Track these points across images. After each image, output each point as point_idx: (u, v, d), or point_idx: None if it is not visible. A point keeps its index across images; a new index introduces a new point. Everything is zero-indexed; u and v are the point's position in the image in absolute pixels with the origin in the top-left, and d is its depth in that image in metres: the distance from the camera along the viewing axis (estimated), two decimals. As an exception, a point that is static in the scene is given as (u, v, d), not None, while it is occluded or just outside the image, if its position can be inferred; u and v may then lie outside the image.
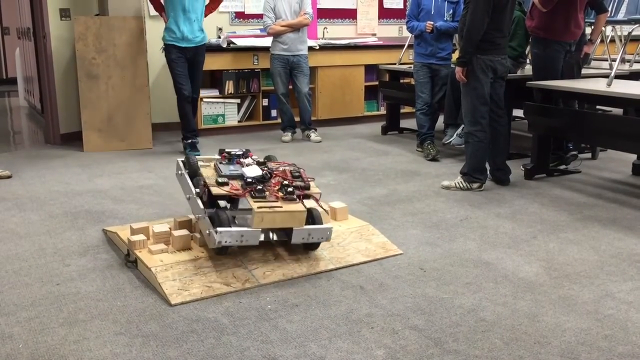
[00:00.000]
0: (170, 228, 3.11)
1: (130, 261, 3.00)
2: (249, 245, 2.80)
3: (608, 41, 6.47)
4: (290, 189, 2.93)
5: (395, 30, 7.92)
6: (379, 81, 6.98)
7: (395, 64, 6.54)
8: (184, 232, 3.03)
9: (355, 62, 7.06)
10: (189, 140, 5.53)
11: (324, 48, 6.81)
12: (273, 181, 3.03)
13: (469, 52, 4.15)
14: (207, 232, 2.77)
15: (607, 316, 2.50)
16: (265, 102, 6.75)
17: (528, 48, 5.27)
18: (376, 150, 5.76)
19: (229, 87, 6.50)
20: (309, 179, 3.13)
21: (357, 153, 5.62)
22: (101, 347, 2.27)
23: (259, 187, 2.91)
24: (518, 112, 5.70)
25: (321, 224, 2.94)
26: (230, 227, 2.75)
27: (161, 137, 6.17)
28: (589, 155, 5.37)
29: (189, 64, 5.41)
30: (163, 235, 3.03)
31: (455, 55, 5.64)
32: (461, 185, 4.33)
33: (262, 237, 2.84)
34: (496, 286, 2.78)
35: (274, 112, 6.77)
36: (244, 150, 3.37)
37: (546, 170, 4.73)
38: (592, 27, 4.91)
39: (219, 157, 3.32)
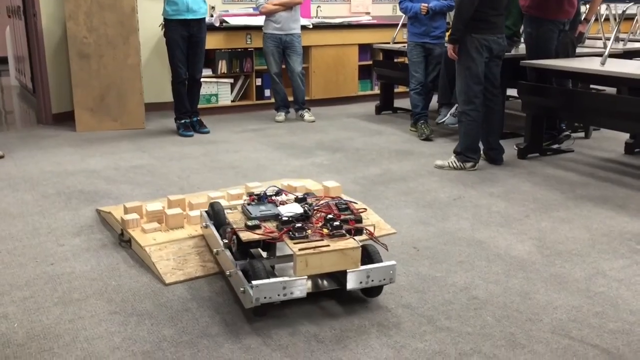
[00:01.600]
0: (163, 207, 3.10)
1: (124, 241, 3.00)
2: (294, 298, 2.28)
3: (602, 20, 6.44)
4: (336, 223, 2.41)
5: (389, 9, 7.86)
6: (373, 60, 6.95)
7: (389, 43, 6.51)
8: (178, 210, 3.03)
9: (348, 42, 7.02)
10: (182, 121, 5.50)
11: (317, 27, 6.76)
12: (315, 218, 2.50)
13: (459, 30, 4.14)
14: (242, 289, 2.29)
15: (598, 293, 2.53)
16: (258, 81, 6.71)
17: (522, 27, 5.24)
18: (370, 129, 5.76)
19: (222, 66, 6.46)
20: (359, 211, 2.60)
21: (351, 133, 5.61)
22: (96, 325, 2.28)
23: (298, 225, 2.40)
24: (512, 92, 5.69)
25: (380, 261, 2.42)
26: (269, 278, 2.26)
27: (154, 117, 6.14)
28: (582, 134, 5.38)
29: (191, 43, 5.33)
30: (156, 214, 3.03)
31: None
32: (455, 165, 4.34)
33: (309, 287, 2.39)
34: (489, 264, 2.81)
35: (267, 92, 6.73)
36: (277, 188, 2.83)
37: (539, 150, 4.74)
38: (588, 5, 4.90)
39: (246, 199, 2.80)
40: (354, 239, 2.38)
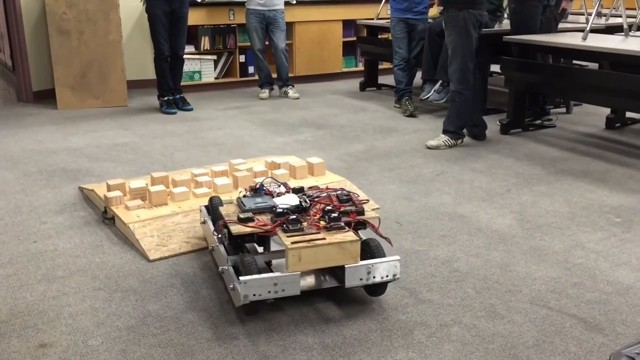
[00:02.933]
0: (146, 184, 3.10)
1: (107, 218, 3.00)
2: (287, 296, 2.12)
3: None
4: (334, 215, 2.23)
5: (373, -15, 7.81)
6: (357, 37, 6.92)
7: (373, 19, 6.48)
8: (161, 187, 3.03)
9: (332, 17, 6.98)
10: (165, 98, 5.46)
11: (300, 3, 6.70)
12: (313, 210, 2.33)
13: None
14: (231, 286, 2.17)
15: (577, 265, 2.58)
16: (242, 58, 6.67)
17: (505, 2, 5.24)
18: (354, 106, 5.75)
19: (205, 43, 6.40)
20: (362, 202, 2.44)
21: (335, 109, 5.61)
22: (80, 302, 2.29)
23: (292, 217, 2.23)
24: (495, 68, 5.71)
25: (383, 256, 2.23)
26: (260, 274, 2.10)
27: (136, 94, 6.09)
28: (563, 110, 5.42)
29: (173, 19, 5.26)
30: (140, 191, 3.02)
31: (432, 11, 5.60)
32: (449, 143, 4.34)
33: (307, 284, 2.24)
34: (470, 238, 2.85)
35: (251, 69, 6.69)
36: (280, 183, 2.60)
37: (522, 125, 4.77)
38: None
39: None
40: (353, 232, 2.21)
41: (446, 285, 2.41)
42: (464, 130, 4.46)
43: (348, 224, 2.24)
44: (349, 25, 7.12)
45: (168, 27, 5.26)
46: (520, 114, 4.73)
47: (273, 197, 2.43)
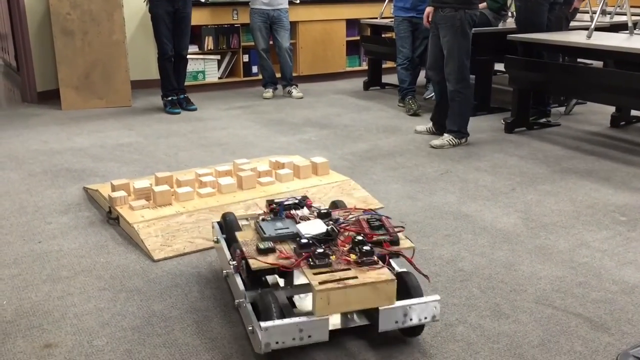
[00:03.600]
0: (151, 184, 3.10)
1: (112, 218, 3.00)
2: (314, 342, 1.87)
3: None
4: (366, 248, 1.97)
5: (376, -16, 7.80)
6: (361, 36, 6.91)
7: (376, 18, 6.47)
8: (165, 187, 3.03)
9: (336, 17, 6.98)
10: (169, 98, 5.47)
11: (304, 2, 6.71)
12: (341, 238, 2.06)
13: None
14: (250, 328, 1.92)
15: (582, 264, 2.57)
16: (245, 58, 6.67)
17: (509, 0, 5.23)
18: (358, 105, 5.75)
19: (209, 43, 6.41)
20: (395, 229, 2.13)
21: (339, 109, 5.60)
22: (85, 302, 2.30)
23: (320, 250, 1.96)
24: (499, 66, 5.69)
25: (421, 295, 1.99)
26: (283, 317, 1.86)
27: (141, 94, 6.09)
28: (562, 109, 5.39)
29: (176, 19, 5.26)
30: (144, 191, 3.03)
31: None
32: (453, 143, 4.33)
33: (334, 326, 1.98)
34: (475, 237, 2.84)
35: (254, 68, 6.70)
36: (299, 198, 2.36)
37: (526, 124, 4.76)
38: None
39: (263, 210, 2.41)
40: (389, 269, 1.95)
41: (451, 285, 2.40)
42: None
43: (382, 257, 1.99)
44: (352, 24, 7.12)
45: (171, 27, 5.26)
46: (524, 113, 4.72)
47: (295, 222, 2.17)
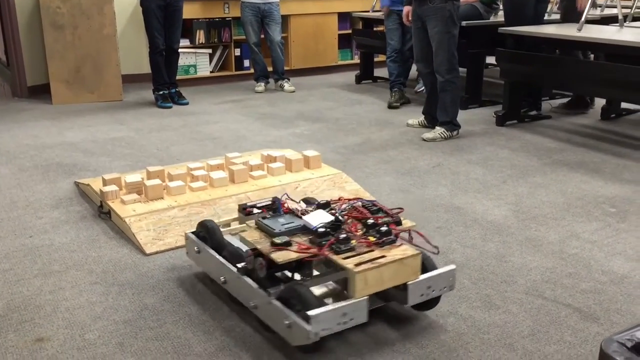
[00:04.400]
0: (142, 178, 3.10)
1: (103, 212, 2.99)
2: (353, 326, 1.89)
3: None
4: (384, 228, 2.02)
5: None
6: (353, 29, 6.91)
7: (368, 11, 6.47)
8: (157, 181, 3.03)
9: (328, 10, 6.96)
10: (160, 92, 5.45)
11: (296, -5, 6.69)
12: (346, 226, 2.08)
13: None
14: (287, 323, 1.85)
15: (572, 255, 2.59)
16: (237, 52, 6.65)
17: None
18: (350, 99, 5.75)
19: (200, 36, 6.38)
20: (394, 211, 2.19)
21: (331, 102, 5.60)
22: (77, 296, 2.29)
23: (343, 236, 1.98)
24: (490, 59, 5.70)
25: (435, 267, 2.07)
26: (322, 305, 1.85)
27: (132, 88, 6.07)
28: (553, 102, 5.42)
29: (167, 13, 5.24)
30: (135, 186, 3.02)
31: None
32: (445, 135, 4.34)
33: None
34: (466, 229, 2.85)
35: (246, 62, 6.68)
36: (272, 199, 2.37)
37: (517, 117, 4.78)
38: None
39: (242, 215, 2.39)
40: (410, 245, 2.04)
41: (442, 277, 2.42)
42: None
43: (396, 235, 2.04)
44: (344, 17, 7.11)
45: (163, 21, 5.24)
46: (515, 106, 4.74)
47: (298, 216, 2.15)
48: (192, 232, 2.39)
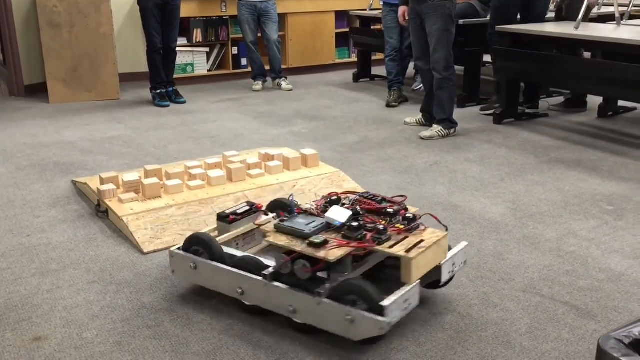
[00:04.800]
0: (140, 177, 3.09)
1: (101, 211, 2.99)
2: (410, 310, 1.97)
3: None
4: (409, 215, 2.11)
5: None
6: (350, 28, 6.90)
7: (365, 9, 6.47)
8: (154, 180, 3.02)
9: (325, 9, 6.96)
10: (158, 91, 5.44)
11: (293, -6, 6.69)
12: (363, 218, 2.12)
13: None
14: (349, 317, 1.86)
15: (569, 253, 2.59)
16: (234, 50, 6.64)
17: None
18: (347, 97, 5.75)
19: (197, 35, 6.37)
20: (395, 198, 2.27)
21: (328, 101, 5.60)
22: (75, 295, 2.29)
23: (380, 227, 2.02)
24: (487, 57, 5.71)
25: (447, 245, 2.17)
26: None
27: (129, 87, 6.06)
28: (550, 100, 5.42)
29: (165, 11, 5.23)
30: (133, 184, 3.02)
31: None
32: (442, 133, 4.34)
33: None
34: (463, 227, 2.86)
35: (244, 61, 6.68)
36: (249, 205, 2.43)
37: (515, 115, 4.78)
38: None
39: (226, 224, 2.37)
40: (440, 227, 2.14)
41: (440, 275, 2.42)
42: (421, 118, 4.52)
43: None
44: (341, 16, 7.10)
45: (160, 19, 5.23)
46: (513, 104, 4.74)
47: (313, 215, 2.13)
48: (178, 249, 2.26)
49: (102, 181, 3.09)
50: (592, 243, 2.68)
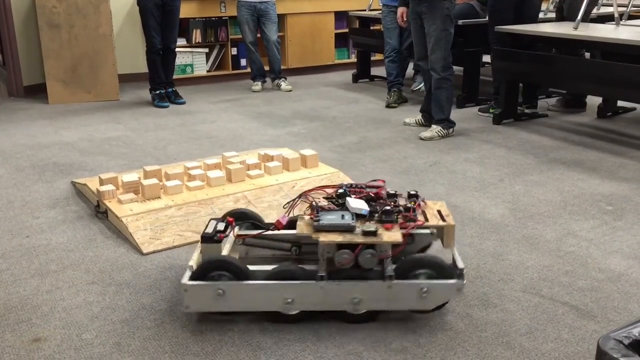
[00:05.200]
0: (139, 178, 3.09)
1: (100, 212, 2.99)
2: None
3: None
4: (408, 195, 2.31)
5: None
6: (349, 28, 6.91)
7: (365, 10, 6.47)
8: (154, 181, 3.02)
9: (324, 9, 6.96)
10: (157, 91, 5.44)
11: (292, -6, 6.69)
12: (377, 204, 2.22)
13: None
14: (424, 290, 2.04)
15: (569, 253, 2.59)
16: (234, 51, 6.64)
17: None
18: (347, 98, 5.75)
19: (196, 36, 6.38)
20: (372, 182, 2.39)
21: (328, 101, 5.60)
22: (74, 296, 2.29)
23: (409, 206, 2.19)
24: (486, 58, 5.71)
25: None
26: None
27: (128, 88, 6.06)
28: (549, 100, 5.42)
29: (164, 12, 5.23)
30: (132, 185, 3.02)
31: None
32: (442, 134, 4.34)
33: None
34: (463, 228, 2.86)
35: (243, 62, 6.68)
36: (220, 220, 2.32)
37: (514, 115, 4.78)
38: None
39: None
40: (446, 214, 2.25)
41: (439, 275, 2.42)
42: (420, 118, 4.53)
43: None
44: (341, 16, 7.10)
45: (160, 20, 5.23)
46: (512, 104, 4.74)
47: (332, 210, 2.16)
48: (190, 279, 2.06)
49: (102, 182, 3.09)
50: (591, 243, 2.68)
